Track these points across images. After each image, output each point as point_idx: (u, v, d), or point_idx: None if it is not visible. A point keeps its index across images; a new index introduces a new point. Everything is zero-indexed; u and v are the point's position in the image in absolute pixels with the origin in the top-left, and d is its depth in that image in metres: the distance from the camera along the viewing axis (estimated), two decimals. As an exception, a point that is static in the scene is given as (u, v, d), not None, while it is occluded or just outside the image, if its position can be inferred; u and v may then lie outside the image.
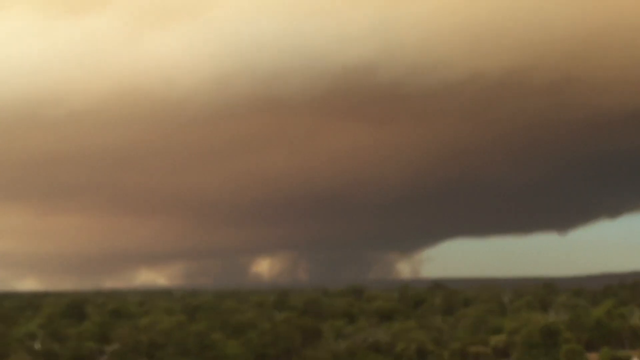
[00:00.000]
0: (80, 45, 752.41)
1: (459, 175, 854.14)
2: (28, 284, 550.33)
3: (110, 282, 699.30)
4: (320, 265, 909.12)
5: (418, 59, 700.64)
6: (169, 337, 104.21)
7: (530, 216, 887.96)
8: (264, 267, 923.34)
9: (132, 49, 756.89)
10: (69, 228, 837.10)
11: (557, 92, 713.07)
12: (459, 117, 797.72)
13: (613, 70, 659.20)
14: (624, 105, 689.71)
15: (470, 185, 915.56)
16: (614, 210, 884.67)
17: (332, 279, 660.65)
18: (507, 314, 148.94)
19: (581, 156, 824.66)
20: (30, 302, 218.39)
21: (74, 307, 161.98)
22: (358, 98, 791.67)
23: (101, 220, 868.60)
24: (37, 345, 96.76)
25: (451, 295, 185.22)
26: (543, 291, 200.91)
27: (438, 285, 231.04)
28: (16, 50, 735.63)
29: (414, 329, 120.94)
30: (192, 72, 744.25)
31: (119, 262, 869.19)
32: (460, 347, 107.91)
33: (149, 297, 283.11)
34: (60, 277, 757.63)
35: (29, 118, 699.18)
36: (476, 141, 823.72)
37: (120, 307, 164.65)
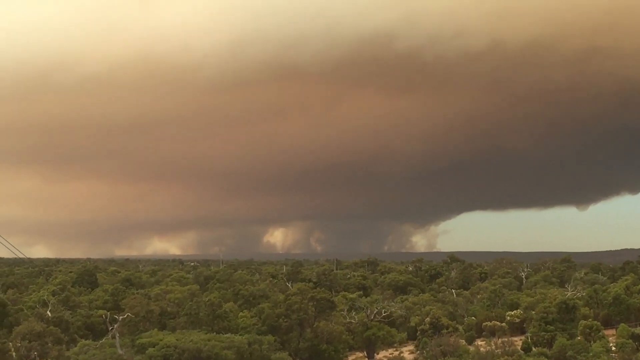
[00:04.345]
0: (94, 8, 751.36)
1: (478, 147, 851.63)
2: (38, 252, 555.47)
3: (122, 251, 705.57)
4: (335, 237, 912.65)
5: (438, 27, 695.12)
6: (180, 307, 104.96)
7: (550, 190, 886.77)
8: (278, 238, 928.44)
9: (146, 13, 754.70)
10: (80, 195, 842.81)
11: (583, 62, 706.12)
12: (479, 87, 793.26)
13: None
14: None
15: (489, 158, 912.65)
16: (635, 185, 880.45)
17: (346, 250, 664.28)
18: (524, 289, 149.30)
19: (603, 130, 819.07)
20: (42, 269, 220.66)
21: (85, 275, 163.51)
22: (376, 66, 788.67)
23: (113, 187, 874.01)
24: (49, 313, 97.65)
25: (467, 269, 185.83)
26: (561, 266, 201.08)
27: (454, 259, 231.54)
28: (29, 13, 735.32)
29: (429, 302, 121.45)
30: (206, 37, 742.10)
31: (130, 230, 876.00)
32: (475, 322, 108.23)
33: (161, 266, 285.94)
34: (71, 244, 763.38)
35: (40, 82, 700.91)
36: (496, 113, 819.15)
37: (132, 276, 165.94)
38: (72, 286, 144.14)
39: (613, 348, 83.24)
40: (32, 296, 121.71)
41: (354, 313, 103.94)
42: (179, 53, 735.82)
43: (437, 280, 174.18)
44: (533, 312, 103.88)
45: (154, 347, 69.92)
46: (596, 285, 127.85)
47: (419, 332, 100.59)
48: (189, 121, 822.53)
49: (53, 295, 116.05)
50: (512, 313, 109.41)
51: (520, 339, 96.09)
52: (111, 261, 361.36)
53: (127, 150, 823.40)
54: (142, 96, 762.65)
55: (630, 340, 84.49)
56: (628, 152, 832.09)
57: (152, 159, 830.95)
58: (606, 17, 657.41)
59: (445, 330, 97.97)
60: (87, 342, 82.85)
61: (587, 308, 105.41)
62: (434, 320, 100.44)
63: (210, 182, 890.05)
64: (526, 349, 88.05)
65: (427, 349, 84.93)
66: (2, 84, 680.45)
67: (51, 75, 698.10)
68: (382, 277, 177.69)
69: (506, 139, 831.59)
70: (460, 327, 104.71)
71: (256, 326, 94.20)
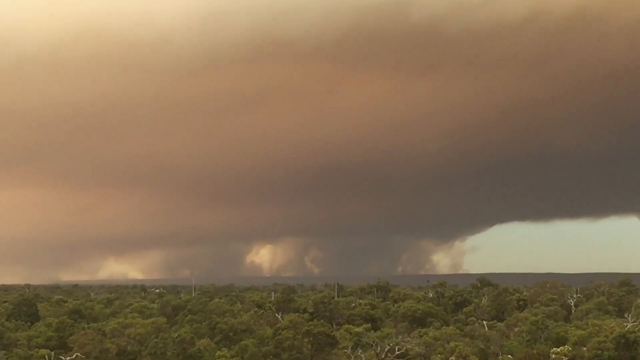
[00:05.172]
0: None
1: (515, 144, 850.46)
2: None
3: (69, 275, 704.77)
4: (335, 256, 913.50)
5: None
6: (143, 345, 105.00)
7: (605, 196, 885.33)
8: (264, 257, 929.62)
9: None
10: (15, 206, 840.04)
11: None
12: (515, 67, 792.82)
13: None
14: None
15: (530, 157, 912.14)
16: None
17: (349, 272, 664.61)
18: (573, 320, 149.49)
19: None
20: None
21: (23, 305, 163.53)
22: (387, 42, 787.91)
23: (57, 195, 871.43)
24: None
25: (501, 295, 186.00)
26: (619, 291, 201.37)
27: (485, 282, 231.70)
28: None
29: (454, 337, 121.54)
30: (173, 6, 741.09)
31: (79, 249, 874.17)
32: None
33: (118, 293, 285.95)
34: (5, 268, 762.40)
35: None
36: (537, 98, 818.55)
37: (81, 307, 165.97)
38: (6, 319, 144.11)
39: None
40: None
41: (360, 351, 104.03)
42: (139, 27, 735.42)
43: (464, 309, 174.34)
44: (584, 349, 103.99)
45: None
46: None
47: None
48: (151, 111, 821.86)
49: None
50: (559, 350, 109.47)
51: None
52: (56, 288, 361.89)
53: (74, 148, 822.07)
54: (94, 81, 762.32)
55: None
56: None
57: (106, 159, 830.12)
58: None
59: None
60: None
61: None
62: (460, 359, 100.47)
63: (180, 189, 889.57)
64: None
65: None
66: None
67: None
68: (396, 305, 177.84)
69: (550, 134, 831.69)
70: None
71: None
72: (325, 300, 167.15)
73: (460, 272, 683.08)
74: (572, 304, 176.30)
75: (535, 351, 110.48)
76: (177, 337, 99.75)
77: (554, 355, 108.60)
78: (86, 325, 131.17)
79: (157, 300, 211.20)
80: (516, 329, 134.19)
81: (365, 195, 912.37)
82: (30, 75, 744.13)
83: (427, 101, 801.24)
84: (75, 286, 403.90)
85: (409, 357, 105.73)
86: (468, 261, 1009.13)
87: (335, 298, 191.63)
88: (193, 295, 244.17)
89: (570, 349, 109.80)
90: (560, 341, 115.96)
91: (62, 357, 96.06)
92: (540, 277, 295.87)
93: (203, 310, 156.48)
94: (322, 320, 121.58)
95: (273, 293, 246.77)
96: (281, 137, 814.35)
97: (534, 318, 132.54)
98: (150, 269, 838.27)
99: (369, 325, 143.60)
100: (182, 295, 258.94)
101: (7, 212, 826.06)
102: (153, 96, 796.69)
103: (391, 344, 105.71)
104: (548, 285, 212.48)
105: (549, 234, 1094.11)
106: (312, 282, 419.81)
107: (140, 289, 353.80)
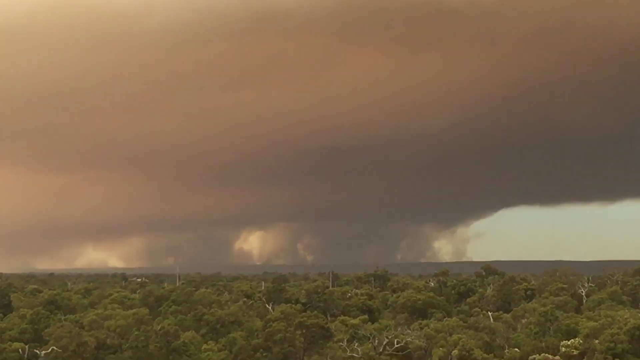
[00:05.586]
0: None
1: (523, 122, 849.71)
2: None
3: (44, 263, 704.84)
4: (330, 243, 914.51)
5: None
6: (123, 338, 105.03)
7: (619, 179, 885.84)
8: (254, 244, 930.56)
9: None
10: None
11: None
12: (523, 41, 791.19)
13: None
14: None
15: (538, 136, 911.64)
16: None
17: (345, 260, 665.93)
18: (584, 310, 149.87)
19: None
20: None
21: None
22: (386, 14, 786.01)
23: (32, 178, 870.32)
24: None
25: (508, 284, 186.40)
26: (633, 279, 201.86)
27: (490, 270, 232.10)
28: None
29: (457, 329, 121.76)
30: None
31: (55, 236, 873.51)
32: (520, 355, 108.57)
33: (97, 283, 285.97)
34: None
35: None
36: (546, 74, 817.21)
37: (58, 297, 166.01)
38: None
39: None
40: None
41: (356, 344, 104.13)
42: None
43: (468, 299, 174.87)
44: (597, 342, 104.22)
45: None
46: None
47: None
48: (131, 88, 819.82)
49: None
50: (569, 343, 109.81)
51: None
52: (30, 277, 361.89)
53: (50, 128, 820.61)
54: (70, 55, 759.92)
55: None
56: None
57: (84, 140, 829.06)
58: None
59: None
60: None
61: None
62: (464, 353, 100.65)
63: (163, 171, 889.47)
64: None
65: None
66: None
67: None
68: (395, 295, 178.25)
69: (561, 111, 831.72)
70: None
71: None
72: (319, 290, 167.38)
73: (464, 259, 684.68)
74: (583, 294, 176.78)
75: (543, 344, 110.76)
76: (160, 330, 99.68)
77: (564, 349, 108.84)
78: (63, 317, 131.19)
79: (138, 290, 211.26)
80: (523, 321, 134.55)
81: (362, 178, 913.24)
82: (0, 48, 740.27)
83: (429, 79, 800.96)
84: (51, 275, 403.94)
85: (408, 350, 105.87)
86: (472, 248, 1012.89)
87: (330, 288, 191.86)
88: (177, 284, 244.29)
89: (581, 341, 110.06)
90: (570, 333, 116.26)
91: (37, 351, 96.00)
92: (549, 265, 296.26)
93: (188, 300, 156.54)
94: (315, 312, 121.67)
95: (263, 282, 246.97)
96: (272, 116, 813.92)
97: (542, 309, 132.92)
98: (132, 257, 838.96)
99: (366, 316, 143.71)
100: (166, 284, 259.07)
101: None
102: (134, 72, 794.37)
103: (390, 337, 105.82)
104: (558, 274, 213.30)
105: (559, 219, 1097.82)
106: (305, 271, 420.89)
107: (120, 278, 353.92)
